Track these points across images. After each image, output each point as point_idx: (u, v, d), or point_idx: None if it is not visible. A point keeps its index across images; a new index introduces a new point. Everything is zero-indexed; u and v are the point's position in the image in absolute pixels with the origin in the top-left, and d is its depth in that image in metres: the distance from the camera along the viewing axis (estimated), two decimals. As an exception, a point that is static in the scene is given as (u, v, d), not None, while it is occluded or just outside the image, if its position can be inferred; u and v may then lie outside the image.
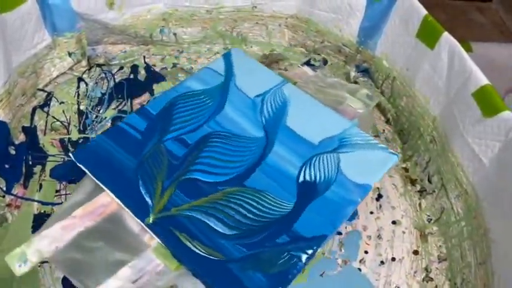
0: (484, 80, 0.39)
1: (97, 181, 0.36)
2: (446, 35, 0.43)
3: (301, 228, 0.34)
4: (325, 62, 0.52)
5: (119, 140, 0.39)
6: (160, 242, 0.33)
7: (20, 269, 0.33)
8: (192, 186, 0.36)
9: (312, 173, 0.38)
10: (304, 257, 0.33)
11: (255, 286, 0.31)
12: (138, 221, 0.34)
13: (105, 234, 0.34)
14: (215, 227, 0.34)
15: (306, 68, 0.50)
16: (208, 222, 0.34)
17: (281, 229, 0.34)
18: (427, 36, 0.45)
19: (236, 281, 0.31)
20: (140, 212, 0.34)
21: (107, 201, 0.35)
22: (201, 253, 0.32)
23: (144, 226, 0.34)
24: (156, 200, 0.35)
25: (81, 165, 0.37)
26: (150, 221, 0.34)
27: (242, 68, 0.46)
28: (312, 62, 0.52)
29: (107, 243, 0.33)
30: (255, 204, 0.36)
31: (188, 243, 0.33)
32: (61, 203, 0.42)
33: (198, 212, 0.35)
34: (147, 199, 0.35)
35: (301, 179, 0.37)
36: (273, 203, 0.36)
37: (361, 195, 0.37)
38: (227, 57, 0.47)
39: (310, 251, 0.33)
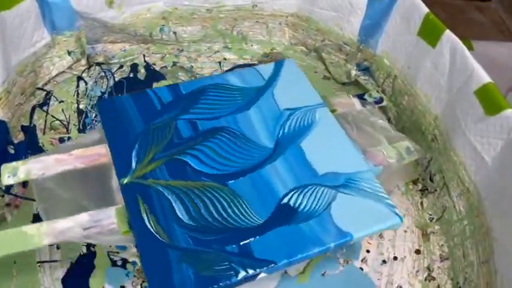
0: (486, 78, 0.38)
1: (104, 131, 0.39)
2: (448, 33, 0.43)
3: (256, 246, 0.32)
4: (379, 101, 0.47)
5: (139, 103, 0.41)
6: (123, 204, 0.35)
7: (7, 179, 0.36)
8: (178, 167, 0.37)
9: (299, 200, 0.35)
10: (242, 274, 0.31)
11: (180, 278, 0.31)
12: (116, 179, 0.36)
13: (86, 180, 0.37)
14: (177, 211, 0.34)
15: (355, 100, 0.46)
16: (173, 203, 0.34)
17: (236, 239, 0.33)
18: (429, 34, 0.45)
19: (166, 267, 0.31)
20: (121, 171, 0.36)
21: (103, 152, 0.38)
22: (150, 228, 0.33)
23: (118, 184, 0.35)
24: (140, 167, 0.36)
25: (99, 113, 0.41)
26: (124, 182, 0.35)
27: (288, 79, 0.45)
28: (366, 97, 0.47)
29: (83, 188, 0.36)
30: (226, 205, 0.35)
31: (144, 215, 0.33)
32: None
33: (170, 191, 0.35)
34: (133, 162, 0.36)
35: (284, 200, 0.35)
36: (243, 212, 0.34)
37: (336, 242, 0.33)
38: (278, 65, 0.46)
39: (251, 271, 0.31)
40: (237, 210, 0.34)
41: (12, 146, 0.44)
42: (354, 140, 0.41)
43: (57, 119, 0.49)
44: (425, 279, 0.41)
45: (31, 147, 0.46)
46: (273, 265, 0.32)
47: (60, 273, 0.38)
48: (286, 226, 0.34)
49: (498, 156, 0.37)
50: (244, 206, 0.35)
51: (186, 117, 0.41)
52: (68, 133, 0.48)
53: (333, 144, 0.40)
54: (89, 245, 0.40)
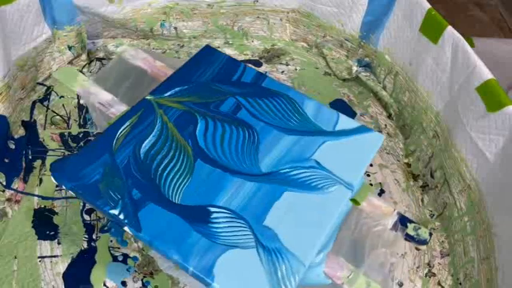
0: (488, 75, 0.38)
1: (185, 64, 0.44)
2: (450, 29, 0.43)
3: (147, 209, 0.33)
4: (421, 242, 0.37)
5: (225, 66, 0.44)
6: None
7: (111, 47, 0.50)
8: (186, 120, 0.39)
9: (219, 220, 0.33)
10: (114, 212, 0.32)
11: (83, 175, 0.34)
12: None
13: (142, 84, 0.43)
14: (144, 142, 0.37)
15: (393, 217, 0.37)
16: (150, 136, 0.37)
17: (146, 193, 0.34)
18: (431, 30, 0.45)
19: (90, 162, 0.35)
20: (157, 91, 0.41)
21: (168, 76, 0.43)
22: (117, 133, 0.37)
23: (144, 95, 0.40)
24: (168, 98, 0.40)
25: (196, 53, 0.45)
26: (146, 97, 0.40)
27: (354, 145, 0.39)
28: (409, 227, 0.37)
29: (134, 87, 0.43)
30: (175, 170, 0.35)
31: (126, 123, 0.38)
32: (61, 198, 0.42)
33: (159, 128, 0.38)
34: (168, 93, 0.41)
35: (211, 209, 0.34)
36: (178, 186, 0.35)
37: (195, 271, 0.31)
38: (362, 129, 0.40)
39: (121, 217, 0.32)
40: (175, 180, 0.35)
41: (12, 141, 0.44)
42: (339, 239, 0.35)
43: (58, 114, 0.49)
44: (426, 275, 0.41)
45: (32, 142, 0.46)
46: (137, 231, 0.32)
47: (61, 268, 0.38)
48: (184, 221, 0.33)
49: (499, 153, 0.37)
50: (183, 183, 0.35)
51: (239, 98, 0.41)
52: (69, 128, 0.48)
53: (310, 219, 0.34)
54: (90, 241, 0.40)
